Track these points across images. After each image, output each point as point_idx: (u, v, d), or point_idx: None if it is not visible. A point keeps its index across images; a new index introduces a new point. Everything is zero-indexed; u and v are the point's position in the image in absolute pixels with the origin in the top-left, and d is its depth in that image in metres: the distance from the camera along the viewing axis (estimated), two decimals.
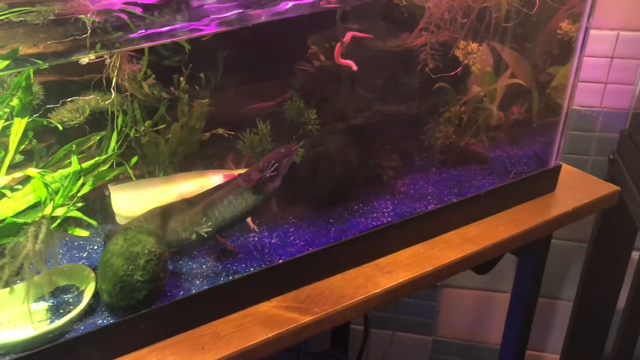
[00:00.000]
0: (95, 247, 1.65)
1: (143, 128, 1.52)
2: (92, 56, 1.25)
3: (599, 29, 2.45)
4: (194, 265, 1.59)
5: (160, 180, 1.65)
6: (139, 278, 1.40)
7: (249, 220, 1.69)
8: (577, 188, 2.03)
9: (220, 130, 1.65)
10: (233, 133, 1.66)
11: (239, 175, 1.55)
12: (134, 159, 1.54)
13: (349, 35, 1.67)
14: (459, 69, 1.78)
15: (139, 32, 1.27)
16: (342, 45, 1.65)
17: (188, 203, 1.55)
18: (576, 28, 1.90)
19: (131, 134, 1.50)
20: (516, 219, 1.86)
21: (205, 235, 1.52)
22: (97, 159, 1.49)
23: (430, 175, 1.94)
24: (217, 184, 1.58)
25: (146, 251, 1.41)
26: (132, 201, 1.61)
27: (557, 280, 2.95)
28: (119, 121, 1.51)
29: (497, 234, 1.78)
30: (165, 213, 1.55)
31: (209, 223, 1.52)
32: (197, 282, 1.52)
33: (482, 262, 1.80)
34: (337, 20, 1.60)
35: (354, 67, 1.67)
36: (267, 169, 1.52)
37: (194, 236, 1.53)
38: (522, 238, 1.84)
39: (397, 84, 1.84)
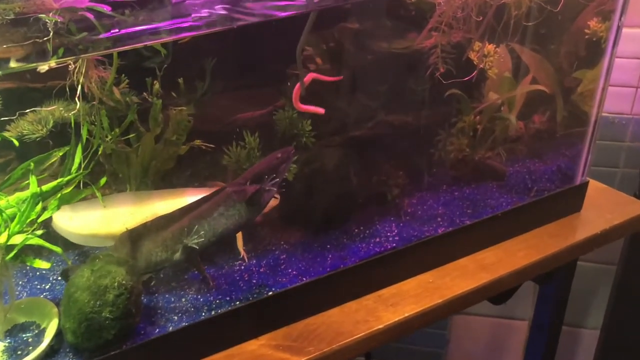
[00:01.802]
0: (60, 278, 1.62)
1: (109, 138, 1.53)
2: (53, 63, 1.20)
3: (629, 27, 2.43)
4: (172, 298, 1.56)
5: (123, 197, 1.64)
6: (108, 315, 1.37)
7: (239, 244, 1.67)
8: (605, 207, 2.01)
9: (198, 142, 1.64)
10: (212, 146, 1.65)
11: (231, 184, 1.53)
12: (103, 180, 1.55)
13: (309, 76, 1.63)
14: (474, 73, 1.77)
15: (111, 32, 1.24)
16: (302, 87, 1.61)
17: (167, 219, 1.53)
18: (606, 27, 1.89)
19: (100, 149, 1.52)
20: (537, 243, 1.86)
21: (196, 248, 1.50)
22: (59, 180, 1.46)
23: (440, 194, 1.92)
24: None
25: (116, 284, 1.39)
26: (80, 220, 1.61)
27: (581, 306, 2.92)
28: (84, 133, 1.49)
29: (516, 261, 1.78)
30: (141, 233, 1.53)
31: (199, 235, 1.51)
32: (175, 317, 1.51)
33: (499, 292, 1.79)
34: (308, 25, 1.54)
35: (320, 111, 1.64)
36: (265, 181, 1.50)
37: (177, 254, 1.51)
38: (544, 265, 1.83)
39: (403, 90, 1.84)
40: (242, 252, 1.67)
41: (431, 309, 1.62)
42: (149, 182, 1.63)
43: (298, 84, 1.59)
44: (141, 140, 1.58)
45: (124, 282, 1.38)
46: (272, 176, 1.49)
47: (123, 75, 1.53)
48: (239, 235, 1.66)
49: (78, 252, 1.65)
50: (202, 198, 1.53)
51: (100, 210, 1.58)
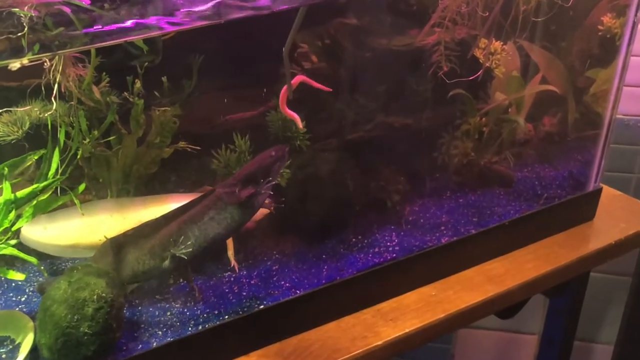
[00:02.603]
0: (36, 291, 1.60)
1: (87, 140, 1.51)
2: (26, 60, 1.19)
3: None
4: (156, 312, 1.55)
5: (104, 205, 1.62)
6: (87, 330, 1.35)
7: (230, 253, 1.66)
8: (620, 216, 2.00)
9: (183, 144, 1.63)
10: (198, 148, 1.64)
11: (221, 185, 1.51)
12: (82, 186, 1.54)
13: (297, 79, 1.61)
14: (479, 72, 1.76)
15: (94, 28, 1.23)
16: (289, 89, 1.59)
17: (153, 226, 1.51)
18: (621, 23, 1.89)
19: (79, 153, 1.50)
20: (547, 253, 1.86)
21: (185, 258, 1.48)
22: (35, 185, 1.44)
23: (444, 201, 1.92)
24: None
25: (95, 297, 1.37)
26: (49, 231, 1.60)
27: (594, 320, 2.91)
28: (62, 136, 1.47)
29: (525, 272, 1.78)
30: (124, 241, 1.52)
31: (188, 243, 1.48)
32: (159, 332, 1.49)
33: (506, 306, 1.79)
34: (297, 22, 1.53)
35: (299, 124, 1.62)
36: (262, 184, 1.48)
37: (166, 262, 1.49)
38: (554, 277, 1.82)
39: (404, 90, 1.83)
40: (233, 262, 1.65)
41: (433, 324, 1.62)
42: (131, 188, 1.62)
43: (285, 86, 1.57)
44: (122, 143, 1.58)
45: (103, 294, 1.37)
46: (267, 178, 1.48)
47: (104, 74, 1.52)
48: (230, 243, 1.65)
49: (50, 262, 1.66)
50: (190, 202, 1.51)
51: (80, 219, 1.57)
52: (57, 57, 1.35)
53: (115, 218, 1.58)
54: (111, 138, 1.56)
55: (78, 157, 1.50)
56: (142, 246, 1.51)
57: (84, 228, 1.58)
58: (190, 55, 1.61)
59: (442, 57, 1.72)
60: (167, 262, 1.49)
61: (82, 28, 1.21)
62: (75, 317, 1.34)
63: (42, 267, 1.59)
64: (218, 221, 1.48)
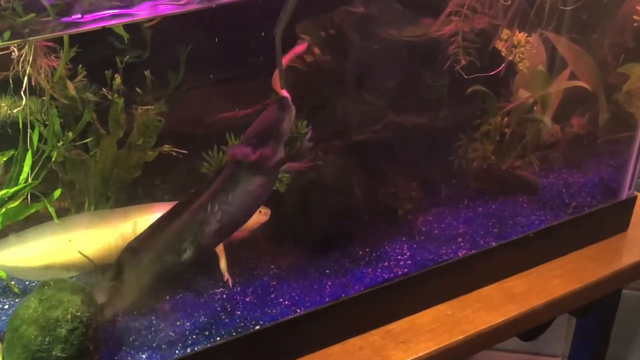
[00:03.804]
0: (7, 307, 1.58)
1: (61, 143, 1.49)
2: None
3: None
4: (142, 330, 1.53)
5: (79, 220, 1.60)
6: (60, 354, 1.33)
7: (222, 265, 1.63)
8: None
9: (167, 148, 1.60)
10: (185, 152, 1.62)
11: (230, 149, 1.49)
12: (57, 192, 1.51)
13: (298, 49, 1.59)
14: (501, 67, 1.76)
15: (73, 17, 1.21)
16: (281, 73, 1.54)
17: (168, 219, 1.47)
18: None
19: (53, 155, 1.48)
20: (576, 268, 1.84)
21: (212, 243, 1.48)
22: (4, 191, 1.42)
23: (461, 209, 1.90)
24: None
25: (69, 316, 1.34)
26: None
27: (625, 342, 2.88)
28: (35, 136, 1.45)
29: (552, 290, 1.77)
30: (140, 246, 1.47)
31: (217, 218, 1.44)
32: (143, 356, 1.47)
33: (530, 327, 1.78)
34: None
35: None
36: (266, 143, 1.45)
37: (187, 253, 1.44)
38: (584, 295, 1.80)
39: (417, 86, 1.81)
40: (226, 275, 1.63)
41: (450, 346, 1.61)
42: (111, 194, 1.61)
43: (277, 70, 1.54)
44: (100, 145, 1.56)
45: (78, 313, 1.34)
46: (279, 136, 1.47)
47: (80, 66, 1.50)
48: (222, 254, 1.62)
49: None
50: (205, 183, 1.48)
51: (54, 237, 1.56)
52: (27, 46, 1.33)
53: (94, 233, 1.58)
54: (88, 140, 1.54)
55: (53, 159, 1.49)
56: (162, 242, 1.48)
57: (59, 246, 1.56)
58: (177, 47, 1.60)
59: (459, 50, 1.70)
60: (188, 253, 1.46)
61: (54, 14, 1.19)
62: (47, 339, 1.32)
63: (12, 282, 1.57)
64: (243, 187, 1.45)
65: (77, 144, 1.54)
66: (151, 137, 1.60)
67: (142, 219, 1.57)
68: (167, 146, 1.60)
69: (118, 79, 1.52)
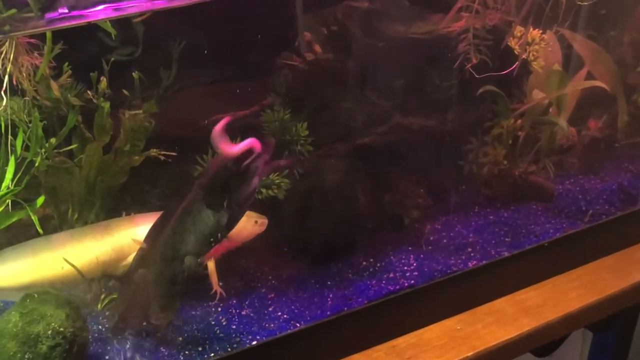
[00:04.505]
0: None
1: (44, 150, 1.47)
2: None
3: None
4: (127, 348, 1.51)
5: (58, 238, 1.59)
6: None
7: (212, 279, 1.62)
8: None
9: (154, 152, 1.59)
10: (174, 154, 1.61)
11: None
12: (40, 199, 1.48)
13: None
14: (514, 66, 1.74)
15: (59, 12, 1.22)
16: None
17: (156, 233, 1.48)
18: None
19: (37, 161, 1.47)
20: (594, 280, 1.83)
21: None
22: None
23: (471, 217, 1.90)
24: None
25: (50, 332, 1.34)
26: None
27: None
28: (19, 142, 1.43)
29: (567, 303, 1.76)
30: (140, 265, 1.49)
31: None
32: None
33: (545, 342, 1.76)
34: None
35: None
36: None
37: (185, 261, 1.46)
38: (602, 308, 1.79)
39: (424, 86, 1.81)
40: (216, 288, 1.62)
41: None
42: (96, 201, 1.60)
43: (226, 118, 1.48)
44: (85, 152, 1.54)
45: (61, 329, 1.35)
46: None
47: (66, 65, 1.49)
48: (212, 266, 1.61)
49: None
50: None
51: (34, 258, 1.56)
52: (7, 42, 1.32)
53: (74, 251, 1.57)
54: (72, 147, 1.54)
55: (37, 164, 1.48)
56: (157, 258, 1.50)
57: (40, 265, 1.57)
58: (170, 44, 1.59)
59: (470, 47, 1.70)
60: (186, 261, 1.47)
61: (38, 10, 1.19)
62: (27, 355, 1.32)
63: None
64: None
65: (60, 150, 1.53)
66: (140, 140, 1.59)
67: (124, 233, 1.58)
68: (155, 150, 1.60)
69: (104, 82, 1.51)
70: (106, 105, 1.53)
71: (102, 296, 1.57)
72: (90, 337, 1.46)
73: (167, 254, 1.47)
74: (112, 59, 1.52)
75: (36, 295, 1.40)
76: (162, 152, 1.61)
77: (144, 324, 1.52)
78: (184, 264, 1.46)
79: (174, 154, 1.61)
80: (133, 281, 1.50)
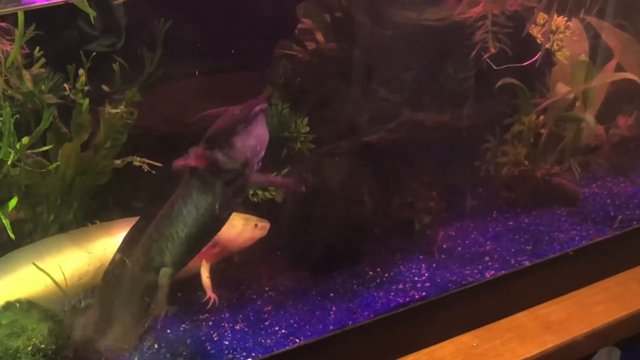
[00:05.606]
0: None
1: (16, 149, 1.44)
2: None
3: None
4: None
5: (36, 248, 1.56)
6: None
7: (205, 282, 1.59)
8: None
9: (138, 160, 1.55)
10: (159, 164, 1.57)
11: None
12: (13, 201, 1.47)
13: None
14: (537, 56, 1.73)
15: None
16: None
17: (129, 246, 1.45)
18: None
19: (10, 159, 1.44)
20: (622, 293, 1.82)
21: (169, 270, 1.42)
22: None
23: (488, 223, 1.89)
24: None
25: (30, 347, 1.33)
26: None
27: None
28: None
29: (594, 318, 1.74)
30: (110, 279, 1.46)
31: (169, 246, 1.41)
32: None
33: None
34: None
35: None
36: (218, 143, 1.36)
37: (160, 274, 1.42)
38: (631, 324, 1.78)
39: (437, 79, 1.81)
40: (210, 294, 1.60)
41: None
42: (75, 203, 1.58)
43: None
44: (61, 151, 1.52)
45: (43, 345, 1.36)
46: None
47: (37, 49, 1.46)
48: (205, 266, 1.60)
49: None
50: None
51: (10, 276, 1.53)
52: None
53: (51, 262, 1.53)
54: (47, 147, 1.50)
55: (9, 162, 1.45)
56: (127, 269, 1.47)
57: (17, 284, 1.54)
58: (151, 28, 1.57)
59: (488, 36, 1.70)
60: (161, 274, 1.44)
61: None
62: None
63: None
64: (199, 204, 1.41)
65: (34, 151, 1.50)
66: (122, 133, 1.57)
67: (104, 242, 1.56)
68: (138, 158, 1.57)
69: (83, 77, 1.48)
70: (85, 102, 1.50)
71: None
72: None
73: (140, 263, 1.44)
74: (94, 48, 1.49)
75: (18, 305, 1.39)
76: (146, 161, 1.56)
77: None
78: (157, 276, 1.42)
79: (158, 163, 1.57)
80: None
